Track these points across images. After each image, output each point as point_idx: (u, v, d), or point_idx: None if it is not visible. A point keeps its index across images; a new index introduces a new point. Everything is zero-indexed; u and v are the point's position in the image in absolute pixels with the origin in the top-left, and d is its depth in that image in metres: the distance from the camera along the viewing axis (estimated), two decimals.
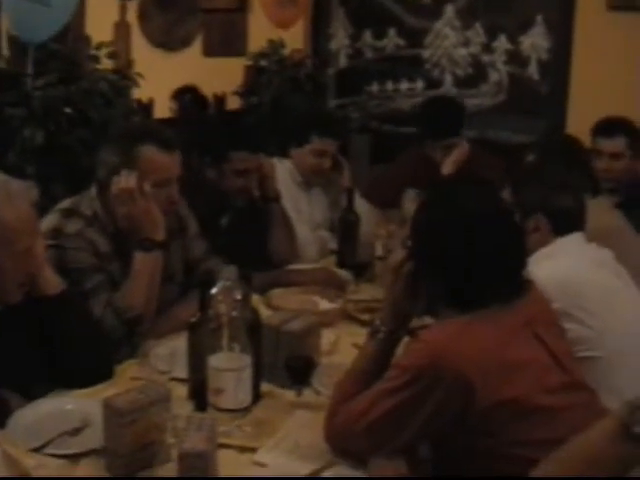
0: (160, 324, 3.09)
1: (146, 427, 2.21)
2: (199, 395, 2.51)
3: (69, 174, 4.25)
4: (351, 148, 6.47)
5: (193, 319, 2.60)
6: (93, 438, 2.31)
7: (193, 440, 2.09)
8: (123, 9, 5.90)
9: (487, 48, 6.58)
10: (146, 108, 5.66)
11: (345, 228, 4.04)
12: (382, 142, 6.76)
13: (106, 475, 2.21)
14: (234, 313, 2.48)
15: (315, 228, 4.35)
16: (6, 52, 4.72)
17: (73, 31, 4.89)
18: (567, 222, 2.96)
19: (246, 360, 2.41)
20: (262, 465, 2.28)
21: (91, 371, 2.69)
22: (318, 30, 7.29)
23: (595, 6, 6.00)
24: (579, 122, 5.63)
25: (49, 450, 2.27)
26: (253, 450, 2.34)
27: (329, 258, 4.19)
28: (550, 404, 2.14)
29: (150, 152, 3.02)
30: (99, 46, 4.81)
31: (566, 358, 2.29)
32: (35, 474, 2.14)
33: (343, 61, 7.26)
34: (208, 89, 6.47)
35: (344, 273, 3.85)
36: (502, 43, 6.51)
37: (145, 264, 3.02)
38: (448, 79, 6.74)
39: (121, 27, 5.87)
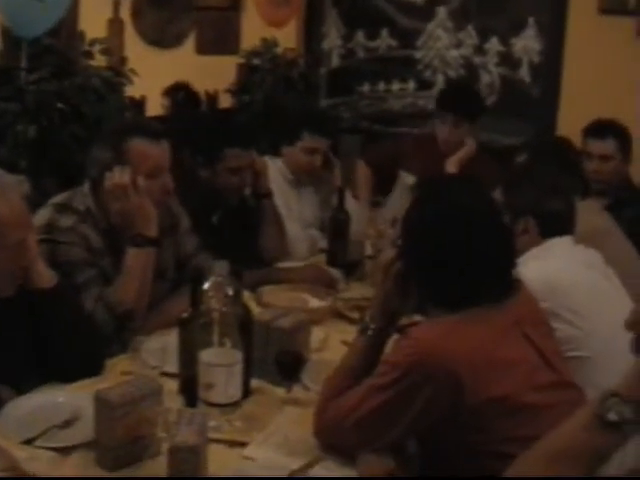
0: (151, 319, 3.10)
1: (137, 420, 2.22)
2: (189, 390, 2.53)
3: (61, 169, 4.25)
4: (342, 148, 6.48)
5: (184, 314, 2.61)
6: (84, 431, 2.32)
7: (184, 434, 2.10)
8: (117, 6, 5.89)
9: (479, 50, 6.60)
10: (139, 105, 5.66)
11: (336, 227, 4.05)
12: (373, 142, 6.76)
13: (96, 468, 2.22)
14: (225, 309, 2.50)
15: (305, 226, 4.36)
16: (0, 46, 4.73)
17: (67, 27, 4.90)
18: (556, 225, 2.98)
19: (237, 355, 2.43)
20: (251, 459, 2.30)
21: (82, 365, 2.70)
22: (311, 30, 7.30)
23: (586, 9, 6.02)
24: (570, 125, 5.65)
25: (40, 443, 2.28)
26: (243, 445, 2.36)
27: (319, 256, 4.20)
28: (538, 402, 2.17)
29: (139, 144, 3.04)
30: (92, 42, 4.82)
31: (554, 357, 2.31)
32: (26, 466, 2.14)
33: (335, 61, 7.27)
34: (201, 87, 6.47)
35: (334, 271, 3.86)
36: (494, 45, 6.53)
37: (137, 260, 3.04)
38: (440, 80, 6.76)
39: (115, 24, 5.86)
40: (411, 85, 6.91)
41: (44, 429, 2.33)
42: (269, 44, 6.80)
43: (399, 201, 4.39)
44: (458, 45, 6.69)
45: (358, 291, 3.67)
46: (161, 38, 6.34)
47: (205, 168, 3.73)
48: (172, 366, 2.64)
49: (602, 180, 4.55)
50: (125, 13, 6.00)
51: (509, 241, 2.37)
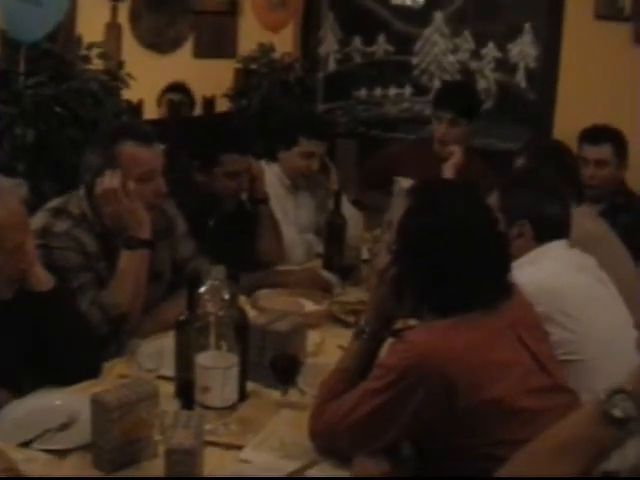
0: (147, 323, 3.11)
1: (134, 423, 2.24)
2: (185, 393, 2.54)
3: (59, 173, 4.26)
4: (338, 152, 6.50)
5: (181, 318, 2.63)
6: (80, 434, 2.33)
7: (180, 436, 2.12)
8: (114, 10, 5.90)
9: (475, 55, 6.60)
10: (136, 109, 5.67)
11: (332, 231, 4.06)
12: (369, 147, 6.77)
13: (93, 470, 2.24)
14: (221, 312, 2.51)
15: (301, 231, 4.37)
16: None
17: (64, 31, 4.90)
18: (552, 230, 2.98)
19: (233, 359, 2.44)
20: (247, 462, 2.31)
21: (80, 368, 2.71)
22: (308, 34, 7.30)
23: (582, 15, 6.03)
24: (566, 130, 5.66)
25: (37, 445, 2.30)
26: (239, 448, 2.37)
27: (315, 261, 4.21)
28: (532, 406, 2.18)
29: (129, 148, 3.05)
30: (90, 46, 4.82)
31: (549, 361, 2.32)
32: (23, 468, 2.16)
33: (332, 66, 7.27)
34: (198, 91, 6.49)
35: (330, 275, 3.87)
36: (490, 50, 6.54)
37: (131, 262, 3.05)
38: (437, 85, 6.76)
39: (112, 28, 5.87)
40: (408, 90, 6.92)
41: (41, 432, 2.34)
42: (266, 49, 6.81)
43: (394, 207, 4.39)
44: (455, 50, 6.69)
45: (354, 295, 3.69)
46: (159, 42, 6.34)
47: (201, 172, 3.74)
48: (168, 369, 2.65)
49: (597, 185, 4.57)
50: (123, 17, 6.01)
51: (504, 246, 2.38)
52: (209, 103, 6.66)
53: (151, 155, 3.10)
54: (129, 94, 5.12)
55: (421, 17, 6.80)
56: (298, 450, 2.36)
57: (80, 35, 5.02)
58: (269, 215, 3.99)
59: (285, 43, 7.07)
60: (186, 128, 4.66)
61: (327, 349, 3.10)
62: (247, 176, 3.82)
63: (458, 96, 5.06)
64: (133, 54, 5.89)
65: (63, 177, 4.09)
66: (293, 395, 2.66)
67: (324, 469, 2.29)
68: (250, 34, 6.86)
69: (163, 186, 3.13)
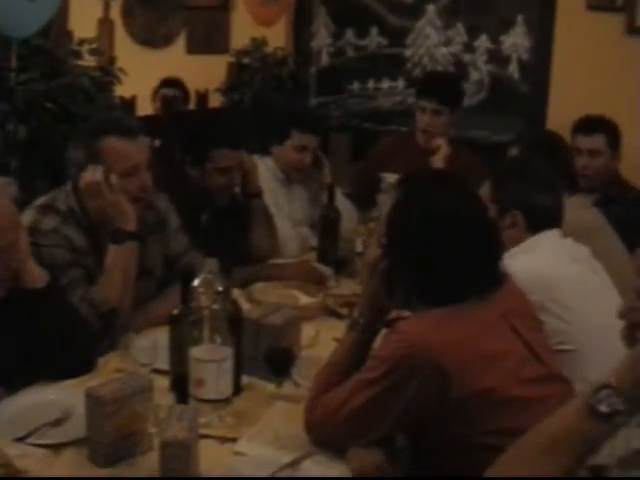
0: (139, 319, 3.10)
1: (128, 417, 2.24)
2: (180, 387, 2.54)
3: (51, 169, 4.26)
4: (332, 146, 6.50)
5: (175, 311, 2.62)
6: (75, 428, 2.33)
7: (174, 429, 2.12)
8: (106, 6, 5.91)
9: (468, 47, 6.61)
10: (129, 105, 5.67)
11: (326, 224, 4.06)
12: (363, 140, 6.77)
13: (89, 464, 2.24)
14: (215, 305, 2.51)
15: (295, 225, 4.37)
16: None
17: (56, 27, 4.89)
18: (544, 220, 2.98)
19: (227, 352, 2.44)
20: (242, 455, 2.32)
21: (74, 363, 2.71)
22: (300, 28, 7.30)
23: (575, 6, 6.03)
24: (559, 121, 5.66)
25: (32, 440, 2.29)
26: (234, 440, 2.37)
27: (310, 254, 4.21)
28: (525, 395, 2.18)
29: (112, 143, 3.04)
30: (82, 42, 4.81)
31: (542, 350, 2.33)
32: (18, 463, 2.16)
33: (325, 59, 7.27)
34: (191, 86, 6.50)
35: (324, 268, 3.87)
36: (483, 42, 6.54)
37: (118, 256, 3.04)
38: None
39: (104, 24, 5.88)
40: (401, 83, 6.92)
41: (36, 427, 2.34)
42: (259, 43, 6.82)
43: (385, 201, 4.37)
44: (447, 43, 6.69)
45: (348, 288, 3.68)
46: (151, 38, 6.35)
47: (193, 167, 3.73)
48: (163, 363, 2.65)
49: (590, 176, 4.57)
50: (115, 13, 6.02)
51: (494, 235, 2.39)
52: (202, 98, 6.67)
53: (135, 149, 3.08)
54: (122, 90, 5.12)
55: (413, 10, 6.80)
56: (293, 442, 2.36)
57: (72, 31, 5.01)
58: (262, 209, 3.99)
59: (278, 37, 7.07)
60: (179, 123, 4.66)
61: (321, 341, 3.10)
62: (239, 171, 3.81)
63: (441, 86, 5.08)
64: (125, 50, 5.90)
65: (55, 174, 4.09)
66: (287, 388, 2.67)
67: (319, 461, 2.29)
68: (243, 29, 6.87)
69: (148, 180, 3.11)
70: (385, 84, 6.98)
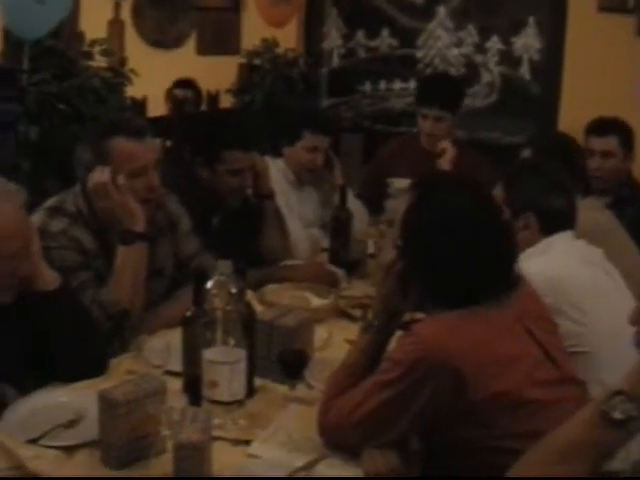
0: (151, 320, 3.10)
1: (141, 419, 2.23)
2: (193, 389, 2.53)
3: (63, 170, 4.26)
4: (343, 147, 6.49)
5: (188, 313, 2.61)
6: (88, 430, 2.32)
7: (188, 432, 2.11)
8: (117, 7, 5.90)
9: (479, 49, 6.60)
10: (140, 105, 5.66)
11: (338, 225, 4.05)
12: (374, 141, 6.76)
13: (101, 467, 2.23)
14: (228, 307, 2.51)
15: (306, 226, 4.36)
16: (1, 48, 4.74)
17: (67, 28, 4.90)
18: (557, 222, 2.97)
19: (240, 354, 2.43)
20: (256, 457, 2.31)
21: (86, 365, 2.70)
22: (311, 29, 7.30)
23: (586, 8, 6.02)
24: (570, 122, 5.66)
25: (44, 442, 2.29)
26: (247, 443, 2.37)
27: (321, 255, 4.21)
28: (540, 397, 2.17)
29: (120, 144, 3.03)
30: (93, 43, 4.82)
31: (557, 353, 2.32)
32: (31, 465, 2.16)
33: (336, 60, 7.27)
34: (202, 87, 6.49)
35: (336, 269, 3.86)
36: (494, 44, 6.54)
37: (128, 257, 3.03)
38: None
39: (115, 25, 5.87)
40: (412, 84, 6.90)
41: (49, 429, 2.34)
42: (269, 44, 6.81)
43: (393, 205, 4.35)
44: (458, 44, 6.69)
45: (360, 289, 3.68)
46: (162, 39, 6.35)
47: (204, 168, 3.73)
48: (176, 365, 2.64)
49: (603, 177, 4.56)
50: (126, 14, 6.01)
51: (510, 238, 2.38)
52: (213, 99, 6.66)
53: (143, 150, 3.07)
54: (133, 91, 5.12)
55: (424, 11, 6.80)
56: (306, 445, 2.35)
57: (83, 32, 5.01)
58: (274, 211, 3.98)
59: (289, 38, 7.07)
60: (189, 124, 4.65)
61: (334, 343, 3.09)
62: (250, 173, 3.80)
63: (440, 92, 5.01)
64: (136, 51, 5.89)
65: (66, 174, 4.09)
66: (301, 390, 2.66)
67: (332, 463, 2.28)
68: (253, 30, 6.87)
69: (156, 180, 3.10)
70: (396, 85, 6.97)
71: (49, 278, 2.66)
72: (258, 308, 3.02)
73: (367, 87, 7.15)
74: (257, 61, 6.77)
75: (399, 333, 2.42)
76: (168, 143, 5.37)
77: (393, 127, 6.92)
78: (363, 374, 2.33)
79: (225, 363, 2.40)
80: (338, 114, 7.09)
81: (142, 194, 3.06)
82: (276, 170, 4.23)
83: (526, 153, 4.00)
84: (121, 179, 2.99)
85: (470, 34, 6.63)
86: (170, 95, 6.31)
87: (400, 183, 4.20)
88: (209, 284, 2.56)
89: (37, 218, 3.00)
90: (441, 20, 6.74)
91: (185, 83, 6.36)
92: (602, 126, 4.70)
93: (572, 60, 6.18)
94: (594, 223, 3.33)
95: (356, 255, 3.99)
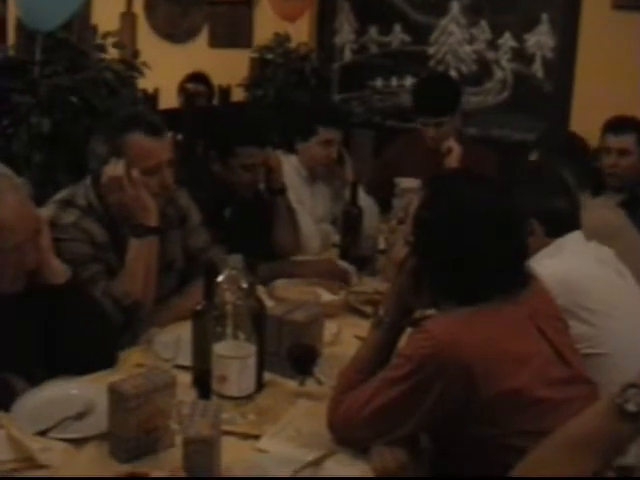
0: (162, 314, 3.10)
1: (151, 412, 2.23)
2: (203, 383, 2.53)
3: (75, 163, 4.26)
4: (354, 143, 6.48)
5: (198, 307, 2.61)
6: (97, 423, 2.32)
7: (197, 426, 2.11)
8: (130, 0, 5.92)
9: (492, 45, 6.59)
10: (151, 98, 5.67)
11: (348, 221, 4.05)
12: (385, 137, 6.75)
13: (110, 459, 2.23)
14: (239, 302, 2.50)
15: (317, 221, 4.36)
16: (14, 40, 4.75)
17: (80, 20, 4.90)
18: (562, 224, 2.95)
19: (250, 348, 2.43)
20: (265, 452, 2.31)
21: (95, 359, 2.70)
22: (323, 24, 7.30)
23: (600, 5, 6.01)
24: (582, 120, 5.65)
25: (54, 434, 2.29)
26: (256, 437, 2.36)
27: (331, 251, 4.20)
28: (551, 396, 2.17)
29: (137, 139, 3.03)
30: (105, 36, 4.81)
31: (568, 351, 2.31)
32: (40, 457, 2.16)
33: (348, 56, 7.26)
34: (214, 81, 6.50)
35: (347, 265, 3.86)
36: (507, 41, 6.52)
37: (140, 250, 3.04)
38: (453, 76, 6.75)
39: (127, 17, 5.89)
40: None
41: (58, 421, 2.34)
42: (282, 38, 6.82)
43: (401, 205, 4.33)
44: (471, 41, 6.68)
45: (370, 285, 3.67)
46: (174, 32, 6.37)
47: (217, 163, 3.73)
48: (185, 359, 2.64)
49: (619, 174, 4.57)
50: (138, 7, 6.03)
51: (520, 235, 2.37)
52: (225, 93, 6.67)
53: (159, 147, 3.07)
54: (144, 84, 5.12)
55: (437, 7, 6.79)
56: (315, 440, 2.35)
57: (95, 24, 5.01)
58: (286, 206, 3.98)
59: (301, 33, 7.07)
60: (202, 118, 4.65)
61: (344, 339, 3.09)
62: (263, 168, 3.80)
63: (436, 99, 4.92)
64: (148, 44, 5.92)
65: (78, 167, 4.10)
66: (310, 385, 2.65)
67: (341, 459, 2.27)
68: (266, 24, 6.87)
69: (169, 178, 3.10)
70: (408, 81, 6.96)
71: (59, 271, 2.66)
72: (268, 303, 3.02)
73: (378, 83, 7.14)
74: (269, 55, 6.77)
75: (410, 330, 2.42)
76: (179, 136, 5.37)
77: (404, 123, 6.90)
78: (373, 370, 2.33)
79: (235, 358, 2.40)
80: (349, 109, 7.09)
81: (155, 190, 3.06)
82: (289, 166, 4.23)
83: (534, 156, 3.99)
84: (135, 172, 2.99)
85: (483, 31, 6.62)
86: (182, 89, 6.32)
87: (406, 183, 4.21)
88: (220, 278, 2.56)
89: (48, 211, 3.01)
90: (454, 16, 6.73)
91: (197, 77, 6.36)
92: (620, 124, 4.71)
93: (585, 58, 6.16)
94: (604, 222, 3.32)
95: (366, 251, 3.99)
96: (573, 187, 3.15)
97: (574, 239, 2.94)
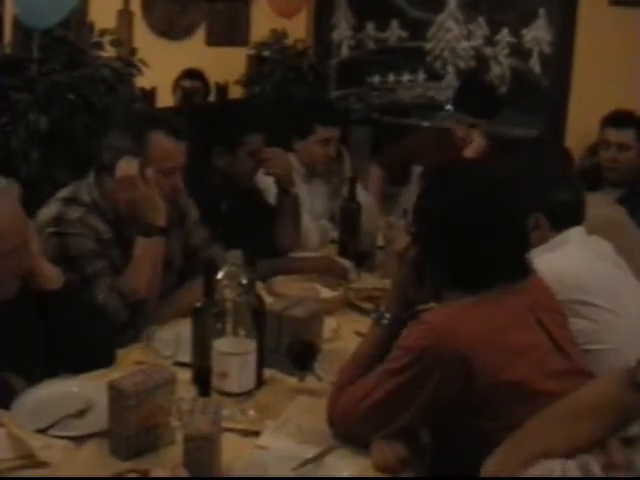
0: (162, 310, 3.11)
1: (151, 410, 2.23)
2: (203, 379, 2.53)
3: (72, 160, 4.26)
4: (352, 139, 6.48)
5: (198, 304, 2.61)
6: (98, 420, 2.32)
7: (198, 423, 2.11)
8: None
9: (489, 41, 6.60)
10: (149, 96, 5.66)
11: (347, 217, 4.05)
12: (383, 133, 6.76)
13: (111, 457, 2.23)
14: (239, 298, 2.50)
15: (316, 218, 4.36)
16: (11, 37, 4.74)
17: (77, 18, 4.89)
18: (567, 216, 2.95)
19: (250, 345, 2.43)
20: (265, 448, 2.30)
21: (93, 358, 2.69)
22: (321, 21, 7.30)
23: (597, 0, 6.01)
24: (580, 116, 5.67)
25: (54, 432, 2.28)
26: (256, 434, 2.37)
27: (330, 247, 4.21)
28: (551, 388, 2.16)
29: (159, 139, 3.04)
30: (102, 33, 4.81)
31: (567, 344, 2.32)
32: (40, 455, 2.16)
33: (345, 52, 7.26)
34: (210, 78, 6.49)
35: (345, 262, 3.86)
36: (504, 36, 6.53)
37: (147, 249, 3.04)
38: (450, 72, 6.75)
39: (124, 15, 5.87)
40: (421, 76, 6.91)
41: (58, 418, 2.33)
42: (279, 35, 6.81)
43: (412, 193, 4.36)
44: (468, 36, 6.68)
45: (369, 281, 3.69)
46: (171, 29, 6.34)
47: (223, 156, 3.73)
48: (185, 355, 2.64)
49: (618, 169, 4.58)
50: (135, 4, 6.01)
51: (521, 224, 2.38)
52: (222, 90, 6.66)
53: (177, 151, 3.09)
54: (142, 81, 5.11)
55: (434, 3, 6.80)
56: (316, 436, 2.35)
57: (92, 22, 5.00)
58: (294, 206, 3.98)
59: (298, 29, 7.07)
60: (201, 115, 4.64)
61: (343, 335, 3.09)
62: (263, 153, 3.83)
63: (479, 101, 4.99)
64: (145, 41, 5.89)
65: (76, 164, 4.09)
66: (310, 381, 2.66)
67: (342, 455, 2.27)
68: (263, 21, 6.86)
69: (180, 182, 3.13)
70: (405, 77, 6.96)
71: (52, 276, 2.65)
72: (267, 299, 3.02)
73: (376, 79, 7.14)
74: (266, 52, 6.77)
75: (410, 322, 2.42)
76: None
77: (401, 119, 6.92)
78: (373, 366, 2.33)
79: (235, 354, 2.40)
80: (347, 106, 7.09)
81: (166, 193, 3.07)
82: None
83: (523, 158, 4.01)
84: (150, 172, 2.99)
85: (480, 26, 6.62)
86: (178, 86, 6.31)
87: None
88: (220, 275, 2.57)
89: (53, 208, 3.01)
90: (451, 12, 6.74)
91: (192, 73, 6.35)
92: (619, 119, 4.72)
93: (582, 53, 6.17)
94: (604, 217, 3.32)
95: (365, 247, 3.99)
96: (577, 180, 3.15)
97: (574, 234, 2.94)
